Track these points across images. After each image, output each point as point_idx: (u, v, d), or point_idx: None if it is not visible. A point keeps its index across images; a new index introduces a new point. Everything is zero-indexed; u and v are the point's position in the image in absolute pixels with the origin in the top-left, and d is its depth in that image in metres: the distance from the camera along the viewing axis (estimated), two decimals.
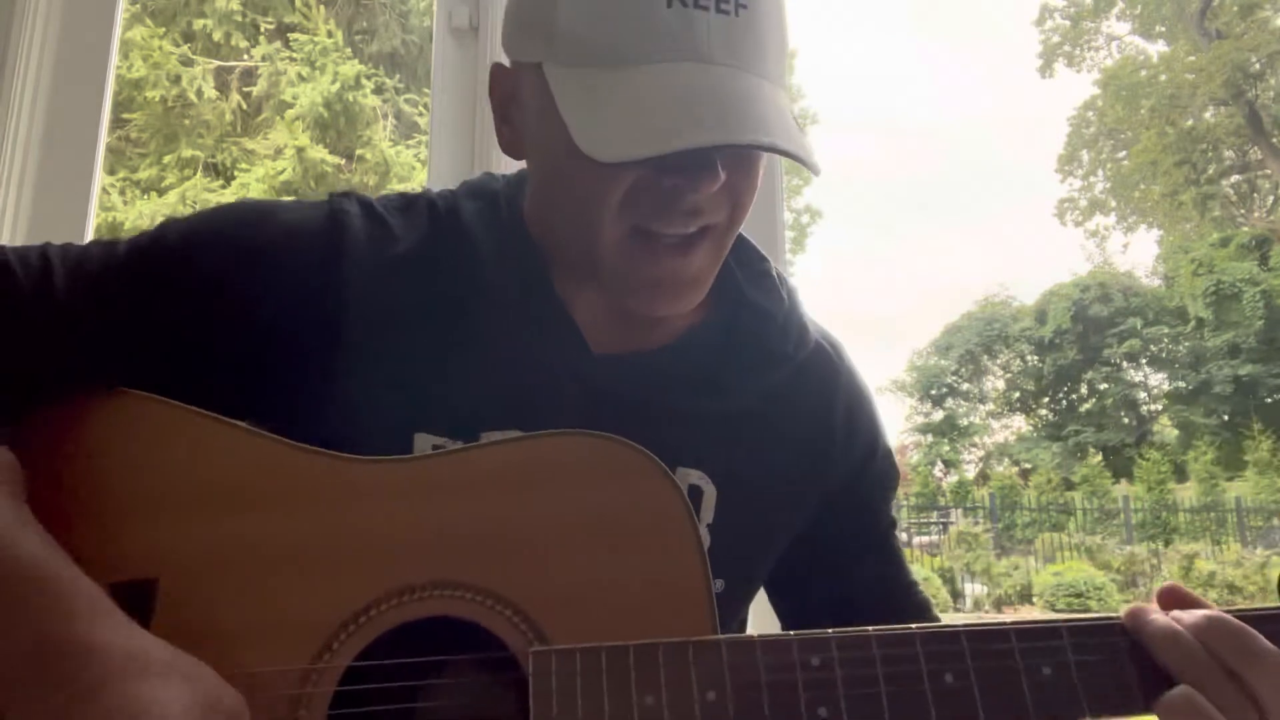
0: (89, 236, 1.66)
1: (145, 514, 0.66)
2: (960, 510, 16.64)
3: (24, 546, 0.58)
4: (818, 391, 0.85)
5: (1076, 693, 0.61)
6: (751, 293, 0.83)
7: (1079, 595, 10.96)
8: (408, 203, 0.80)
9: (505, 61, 0.78)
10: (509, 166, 0.87)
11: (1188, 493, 18.34)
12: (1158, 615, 0.62)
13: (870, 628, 0.63)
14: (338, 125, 9.69)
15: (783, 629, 0.91)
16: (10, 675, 0.53)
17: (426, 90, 9.30)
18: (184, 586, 0.64)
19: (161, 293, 0.72)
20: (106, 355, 0.71)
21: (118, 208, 9.14)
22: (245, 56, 10.16)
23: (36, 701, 0.52)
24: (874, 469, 0.88)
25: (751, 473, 0.80)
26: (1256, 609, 0.62)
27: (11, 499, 0.61)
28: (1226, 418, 22.08)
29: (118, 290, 0.71)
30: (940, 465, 24.67)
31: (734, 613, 0.84)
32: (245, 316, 0.73)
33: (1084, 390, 25.26)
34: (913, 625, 0.63)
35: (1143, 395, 24.82)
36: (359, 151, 9.76)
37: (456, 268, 0.77)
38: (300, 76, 9.89)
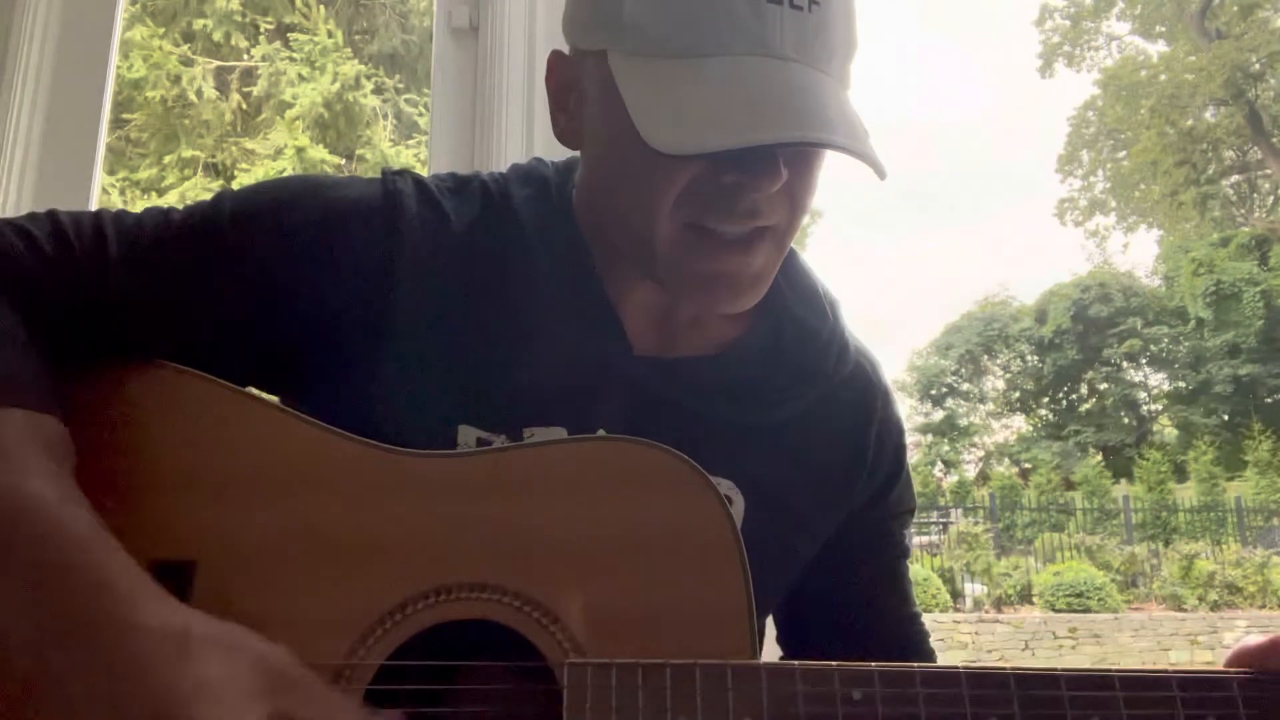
0: None
1: (189, 494, 0.65)
2: (960, 510, 16.64)
3: (67, 523, 0.56)
4: (853, 411, 0.84)
5: None
6: (797, 308, 0.82)
7: (1079, 595, 10.95)
8: (461, 184, 0.79)
9: (564, 49, 0.77)
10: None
11: (1188, 493, 18.35)
12: None
13: (915, 664, 0.61)
14: (338, 125, 9.70)
15: (778, 640, 0.90)
16: (48, 652, 0.52)
17: (426, 90, 9.30)
18: (222, 571, 0.62)
19: (213, 271, 0.71)
20: (155, 328, 0.70)
21: (118, 208, 9.13)
22: (245, 56, 10.16)
23: (76, 681, 0.51)
24: (894, 496, 0.87)
25: (781, 487, 0.79)
26: None
27: (58, 473, 0.60)
28: (1226, 418, 22.10)
29: (169, 266, 0.70)
30: (940, 465, 24.69)
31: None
32: (294, 295, 0.72)
33: (1084, 390, 25.29)
34: (960, 665, 0.62)
35: (1143, 395, 24.86)
36: (359, 151, 9.77)
37: (506, 255, 0.76)
38: (300, 76, 9.89)
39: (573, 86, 0.75)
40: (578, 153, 0.81)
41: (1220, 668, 0.63)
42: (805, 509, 0.81)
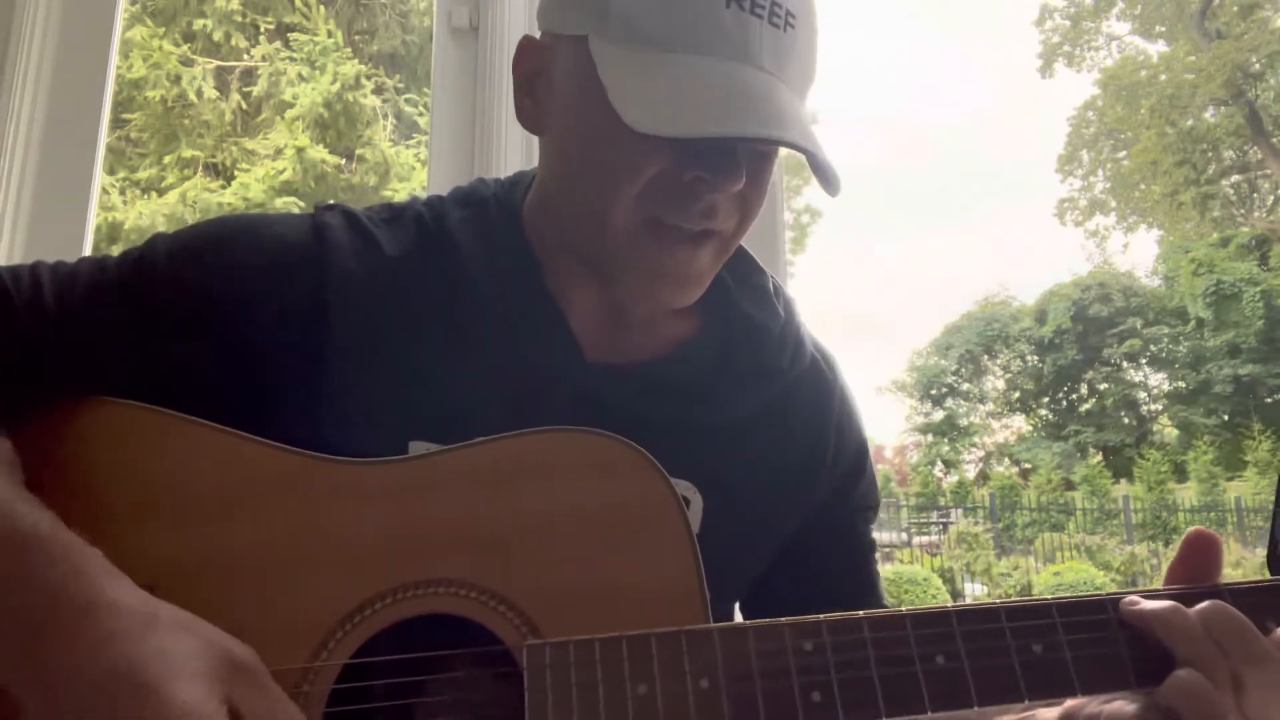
0: (89, 237, 1.66)
1: (139, 520, 0.67)
2: (960, 510, 16.62)
3: (31, 517, 0.59)
4: (811, 408, 0.85)
5: (1068, 671, 0.62)
6: (747, 306, 0.83)
7: None
8: (394, 214, 0.81)
9: (536, 36, 0.78)
10: (510, 166, 0.88)
11: (1188, 493, 18.33)
12: (1156, 601, 0.63)
13: (861, 611, 0.63)
14: (338, 125, 9.69)
15: None
16: (23, 631, 0.55)
17: (426, 90, 9.29)
18: (180, 592, 0.63)
19: (149, 311, 0.73)
20: (97, 372, 0.71)
21: (118, 208, 9.13)
22: (245, 56, 10.15)
23: (49, 655, 0.54)
24: (858, 491, 0.88)
25: (740, 486, 0.80)
26: (1258, 581, 0.64)
27: (10, 481, 0.62)
28: (1226, 418, 22.06)
29: (106, 308, 0.72)
30: (940, 465, 24.65)
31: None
32: (232, 332, 0.73)
33: (1084, 390, 25.25)
34: (903, 607, 0.64)
35: (1143, 395, 24.81)
36: (359, 151, 9.76)
37: (446, 276, 0.77)
38: (300, 76, 9.88)
39: (542, 72, 0.76)
40: (523, 169, 0.84)
41: (1153, 588, 0.66)
42: (765, 507, 0.81)
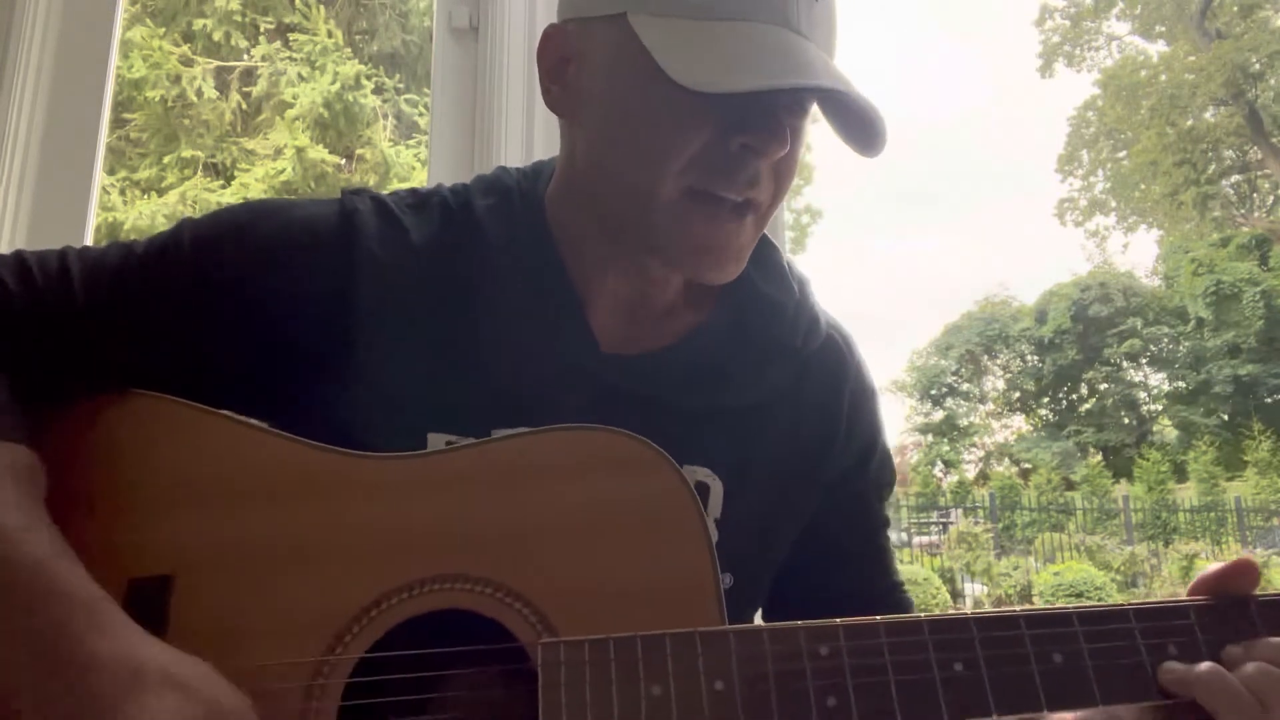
0: (89, 236, 1.66)
1: (160, 511, 0.67)
2: (960, 510, 16.64)
3: (28, 550, 0.57)
4: (825, 385, 0.84)
5: (1088, 680, 0.60)
6: (762, 285, 0.83)
7: (1079, 595, 10.94)
8: (420, 200, 0.80)
9: (558, 25, 0.78)
10: (510, 165, 0.87)
11: (1188, 493, 18.35)
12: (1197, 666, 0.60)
13: (879, 616, 0.62)
14: (338, 125, 9.69)
15: (763, 619, 0.90)
16: (13, 680, 0.54)
17: (426, 90, 9.29)
18: (198, 582, 0.65)
19: (176, 295, 0.72)
20: (123, 355, 0.71)
21: (118, 208, 9.13)
22: (245, 56, 10.15)
23: (39, 709, 0.53)
24: (870, 468, 0.87)
25: (758, 467, 0.79)
26: None
27: (24, 500, 0.61)
28: (1226, 418, 22.08)
29: (134, 292, 0.72)
30: (940, 465, 24.67)
31: (743, 611, 0.83)
32: (259, 316, 0.73)
33: (1084, 390, 25.27)
34: (921, 613, 0.62)
35: (1143, 395, 24.83)
36: (359, 151, 9.76)
37: (469, 264, 0.77)
38: (300, 76, 9.88)
39: (571, 58, 0.75)
40: (542, 159, 0.84)
41: (1176, 597, 0.64)
42: (785, 486, 0.81)
